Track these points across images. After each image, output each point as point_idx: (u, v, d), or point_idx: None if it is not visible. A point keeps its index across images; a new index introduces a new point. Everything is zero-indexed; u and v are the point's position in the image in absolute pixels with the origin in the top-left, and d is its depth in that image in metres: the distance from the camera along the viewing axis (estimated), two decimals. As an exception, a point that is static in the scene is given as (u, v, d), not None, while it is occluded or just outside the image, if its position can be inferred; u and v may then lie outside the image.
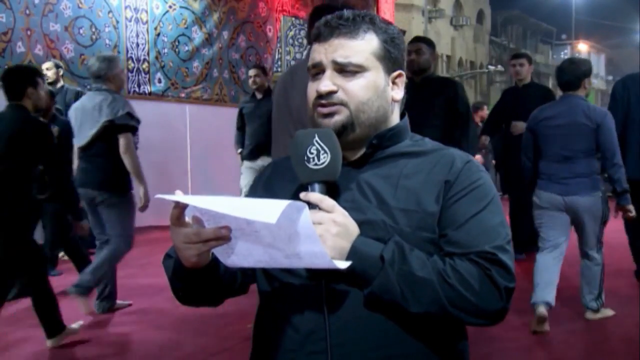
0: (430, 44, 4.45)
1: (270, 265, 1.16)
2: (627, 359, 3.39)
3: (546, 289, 3.91)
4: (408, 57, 3.99)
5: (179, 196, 1.03)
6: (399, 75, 1.29)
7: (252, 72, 6.43)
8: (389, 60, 1.26)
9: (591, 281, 4.01)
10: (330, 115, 1.22)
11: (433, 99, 4.24)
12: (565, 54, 51.26)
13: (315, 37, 1.26)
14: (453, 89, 4.37)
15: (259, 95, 6.34)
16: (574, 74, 3.94)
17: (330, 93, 1.22)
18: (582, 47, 48.28)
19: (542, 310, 3.82)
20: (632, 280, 4.85)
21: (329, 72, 1.22)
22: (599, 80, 51.10)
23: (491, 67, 36.69)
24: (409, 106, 1.38)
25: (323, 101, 1.22)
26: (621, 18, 47.42)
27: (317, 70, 1.25)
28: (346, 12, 1.25)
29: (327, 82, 1.22)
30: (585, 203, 3.84)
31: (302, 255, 1.07)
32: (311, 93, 1.25)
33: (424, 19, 27.11)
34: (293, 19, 10.45)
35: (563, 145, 3.87)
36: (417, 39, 4.54)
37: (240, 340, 3.68)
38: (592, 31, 47.07)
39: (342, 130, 1.22)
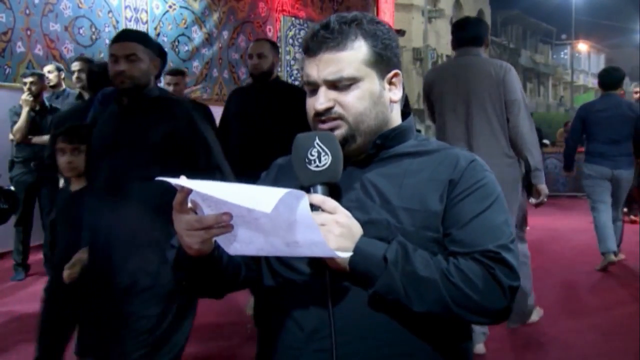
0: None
1: (271, 254, 1.17)
2: (627, 358, 3.39)
3: (609, 241, 5.29)
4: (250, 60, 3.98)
5: (182, 180, 1.04)
6: (395, 75, 1.28)
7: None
8: (382, 63, 1.25)
9: (616, 233, 5.46)
10: (330, 130, 1.23)
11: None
12: (565, 53, 51.25)
13: (305, 50, 1.26)
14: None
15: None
16: (618, 78, 5.40)
17: (328, 109, 1.22)
18: (582, 47, 48.25)
19: (611, 257, 5.24)
20: (631, 280, 4.86)
21: (323, 89, 1.22)
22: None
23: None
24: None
25: (322, 117, 1.23)
26: (621, 18, 47.41)
27: (312, 87, 1.25)
28: (332, 22, 1.23)
29: (322, 100, 1.22)
30: (626, 175, 5.34)
31: (302, 244, 1.08)
32: (309, 109, 1.26)
33: (423, 19, 27.08)
34: (293, 19, 10.44)
35: (612, 131, 5.26)
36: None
37: (240, 341, 3.68)
38: (592, 31, 47.05)
39: (344, 143, 1.22)
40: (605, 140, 5.31)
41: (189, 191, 1.06)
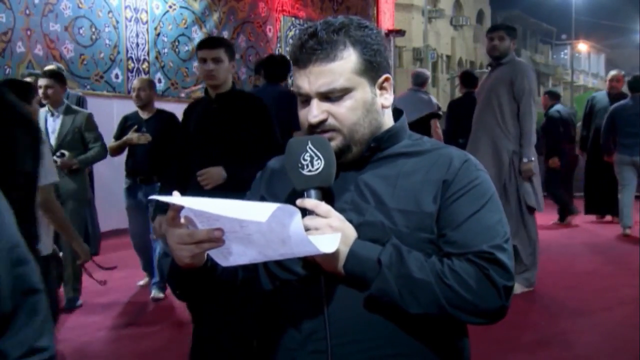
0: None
1: (264, 261, 1.18)
2: (627, 359, 3.39)
3: (625, 217, 6.82)
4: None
5: (174, 197, 1.04)
6: (386, 80, 1.27)
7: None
8: (372, 70, 1.24)
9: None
10: None
11: None
12: (565, 53, 51.22)
13: (294, 61, 1.24)
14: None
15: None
16: None
17: (321, 122, 1.21)
18: (582, 47, 48.22)
19: (627, 231, 6.80)
20: (631, 280, 4.86)
21: (315, 102, 1.21)
22: (599, 80, 51.05)
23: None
24: None
25: (316, 130, 1.22)
26: (621, 18, 47.40)
27: (304, 98, 1.24)
28: (319, 30, 1.21)
29: (315, 113, 1.21)
30: None
31: (296, 254, 1.09)
32: (303, 121, 1.25)
33: (424, 19, 27.07)
34: (293, 19, 10.44)
35: (634, 125, 6.61)
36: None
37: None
38: (592, 31, 47.02)
39: (340, 154, 1.22)
40: (628, 134, 6.67)
41: (180, 208, 1.06)
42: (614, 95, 7.64)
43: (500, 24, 5.07)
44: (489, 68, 4.83)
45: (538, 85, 48.53)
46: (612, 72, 8.02)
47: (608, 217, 7.93)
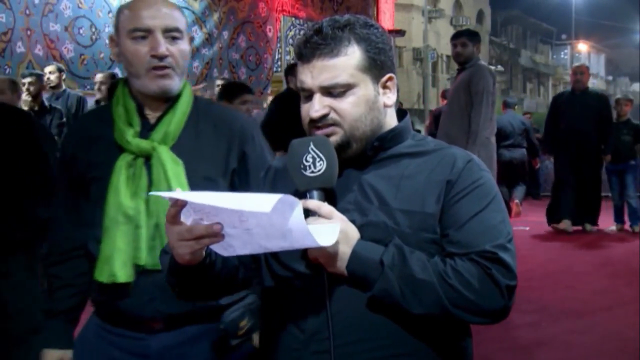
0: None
1: (263, 252, 1.19)
2: (626, 359, 3.39)
3: None
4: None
5: (175, 193, 1.04)
6: (389, 79, 1.27)
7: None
8: (375, 68, 1.24)
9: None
10: (326, 136, 1.22)
11: None
12: (565, 53, 51.27)
13: (298, 56, 1.24)
14: None
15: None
16: None
17: (323, 117, 1.22)
18: (582, 47, 48.24)
19: None
20: (631, 279, 4.86)
21: (317, 96, 1.22)
22: (599, 80, 51.08)
23: (491, 67, 36.69)
24: None
25: (317, 124, 1.23)
26: (621, 18, 47.47)
27: (307, 93, 1.24)
28: (325, 27, 1.22)
29: (317, 107, 1.21)
30: None
31: (296, 247, 1.09)
32: (304, 115, 1.26)
33: (424, 19, 27.06)
34: (293, 19, 10.44)
35: None
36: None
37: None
38: (592, 31, 47.10)
39: (340, 149, 1.22)
40: None
41: (182, 204, 1.06)
42: (580, 91, 7.05)
43: (462, 31, 5.20)
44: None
45: (538, 85, 48.56)
46: (576, 64, 7.67)
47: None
